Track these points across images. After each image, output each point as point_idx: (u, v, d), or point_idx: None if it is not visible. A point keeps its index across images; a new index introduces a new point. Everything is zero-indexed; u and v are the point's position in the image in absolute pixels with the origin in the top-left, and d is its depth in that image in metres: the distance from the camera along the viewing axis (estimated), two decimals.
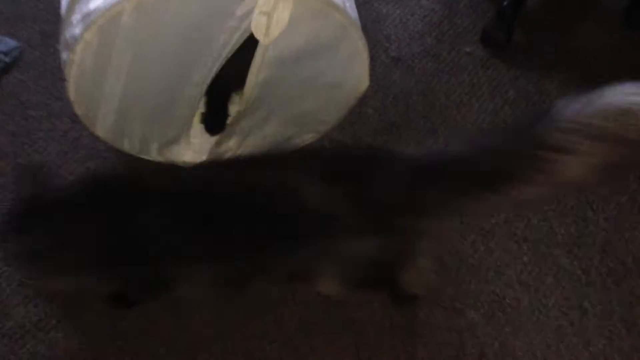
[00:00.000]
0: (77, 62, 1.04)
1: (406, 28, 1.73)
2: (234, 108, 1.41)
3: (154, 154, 1.35)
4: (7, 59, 1.48)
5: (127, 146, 1.31)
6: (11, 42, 1.51)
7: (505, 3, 1.70)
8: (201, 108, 1.41)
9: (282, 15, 1.02)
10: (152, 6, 0.97)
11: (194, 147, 1.39)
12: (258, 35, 1.05)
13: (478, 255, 1.41)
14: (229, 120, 1.38)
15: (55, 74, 1.48)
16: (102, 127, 1.23)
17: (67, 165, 1.40)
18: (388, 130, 1.55)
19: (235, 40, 1.07)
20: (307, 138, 1.40)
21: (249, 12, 1.02)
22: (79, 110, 1.16)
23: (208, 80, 1.18)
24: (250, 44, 1.11)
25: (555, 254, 1.43)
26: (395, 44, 1.69)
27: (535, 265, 1.42)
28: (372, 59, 1.24)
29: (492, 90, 1.64)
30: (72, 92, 1.11)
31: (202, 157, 1.37)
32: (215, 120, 1.42)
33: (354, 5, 1.17)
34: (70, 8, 1.05)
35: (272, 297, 1.27)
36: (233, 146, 1.34)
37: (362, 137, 1.53)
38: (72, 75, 1.07)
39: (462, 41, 1.72)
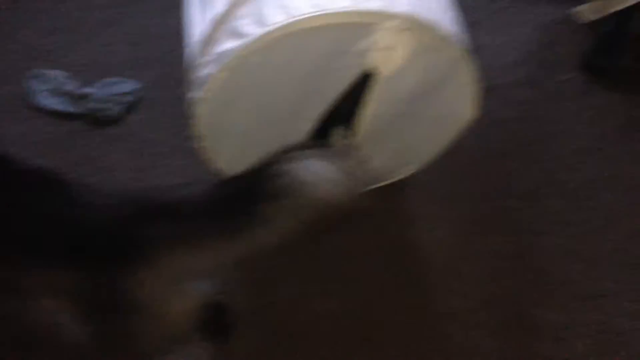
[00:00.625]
0: (208, 99, 1.13)
1: (504, 57, 1.75)
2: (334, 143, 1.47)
3: None
4: (131, 99, 1.61)
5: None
6: (135, 83, 1.64)
7: (607, 28, 1.70)
8: None
9: (403, 50, 1.08)
10: (280, 46, 1.05)
11: None
12: (378, 69, 1.11)
13: (585, 284, 1.40)
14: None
15: (175, 113, 1.58)
16: (223, 160, 1.32)
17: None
18: (487, 159, 1.56)
19: (351, 77, 1.13)
20: (409, 169, 1.44)
21: (368, 48, 1.08)
22: (204, 145, 1.25)
23: (320, 116, 1.24)
24: (360, 82, 1.17)
25: None
26: (493, 73, 1.71)
27: None
28: None
29: (595, 116, 1.64)
30: (200, 128, 1.20)
31: None
32: None
33: (464, 35, 1.21)
34: (201, 51, 1.14)
35: None
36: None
37: (462, 166, 1.55)
38: (202, 111, 1.16)
39: (562, 68, 1.72)
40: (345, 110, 1.26)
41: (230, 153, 1.30)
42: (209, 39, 1.13)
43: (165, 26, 1.73)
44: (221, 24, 1.11)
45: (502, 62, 1.74)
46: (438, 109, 1.25)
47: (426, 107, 1.24)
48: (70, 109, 1.59)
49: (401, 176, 1.46)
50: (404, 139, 1.33)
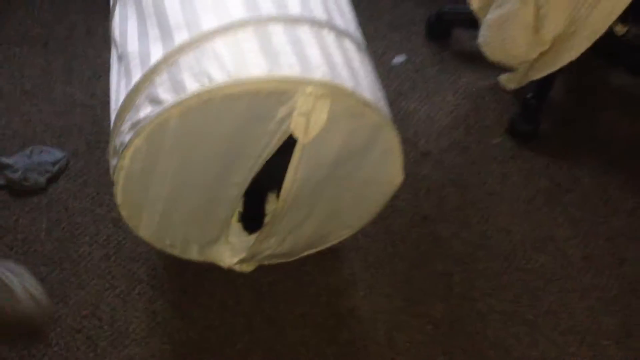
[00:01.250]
0: (125, 167, 1.09)
1: (433, 123, 1.78)
2: (270, 207, 1.44)
3: (194, 255, 1.38)
4: (54, 169, 1.56)
5: (169, 247, 1.34)
6: (58, 153, 1.59)
7: (529, 95, 1.76)
8: (239, 207, 1.45)
9: (321, 115, 1.07)
10: (197, 112, 1.03)
11: (233, 246, 1.42)
12: (298, 135, 1.10)
13: (522, 348, 1.38)
14: (266, 219, 1.41)
15: (100, 182, 1.55)
16: (146, 229, 1.27)
17: (110, 269, 1.43)
18: (421, 223, 1.56)
19: (275, 142, 1.12)
20: (342, 234, 1.42)
21: (289, 114, 1.07)
22: (124, 213, 1.21)
23: (248, 181, 1.22)
24: (287, 146, 1.16)
25: (604, 345, 1.40)
26: (423, 139, 1.74)
27: (583, 357, 1.38)
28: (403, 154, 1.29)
29: (523, 179, 1.67)
30: (119, 196, 1.16)
31: (240, 255, 1.40)
32: (252, 219, 1.46)
33: (385, 102, 1.22)
34: (120, 118, 1.11)
35: None
36: (273, 244, 1.36)
37: (396, 230, 1.54)
38: (121, 179, 1.12)
39: (490, 133, 1.77)
40: (274, 175, 1.25)
41: (154, 221, 1.26)
42: (127, 106, 1.10)
43: (91, 96, 1.71)
44: (139, 90, 1.09)
45: (433, 128, 1.77)
46: (365, 173, 1.25)
47: (352, 172, 1.23)
48: None
49: (334, 241, 1.44)
50: (333, 203, 1.31)
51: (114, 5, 1.30)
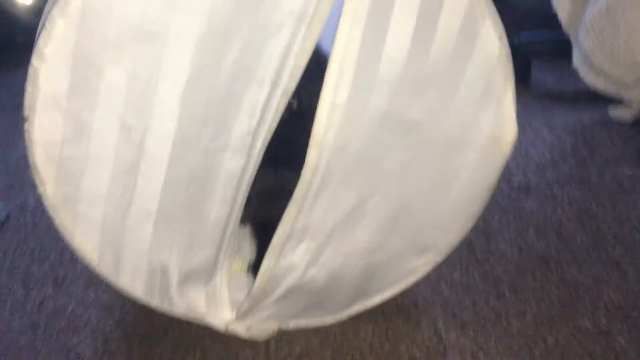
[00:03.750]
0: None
1: (530, 159, 1.27)
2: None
3: (174, 297, 0.80)
4: None
5: (127, 280, 0.77)
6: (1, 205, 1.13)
7: None
8: (250, 253, 0.90)
9: None
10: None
11: (235, 300, 0.84)
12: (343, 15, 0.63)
13: None
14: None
15: (43, 239, 1.06)
16: (88, 236, 0.73)
17: (35, 344, 0.87)
18: (540, 267, 0.97)
19: (296, 51, 0.65)
20: (418, 263, 0.84)
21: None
22: (53, 200, 0.69)
23: (257, 148, 0.71)
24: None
25: None
26: (519, 175, 1.21)
27: None
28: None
29: None
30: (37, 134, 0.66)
31: (243, 298, 0.82)
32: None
33: None
34: None
35: None
36: (299, 261, 0.78)
37: (500, 276, 0.95)
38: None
39: (613, 165, 1.23)
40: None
41: (99, 216, 0.73)
42: None
43: None
44: None
45: (531, 163, 1.25)
46: (454, 112, 0.72)
47: (432, 111, 0.72)
48: None
49: (403, 283, 0.85)
50: (403, 185, 0.75)
51: None
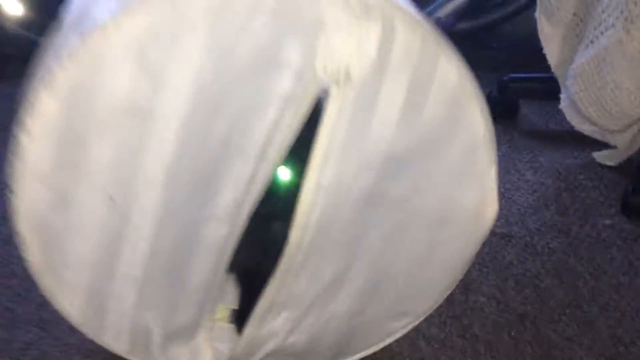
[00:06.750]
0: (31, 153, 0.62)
1: (512, 204, 1.28)
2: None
3: (155, 350, 0.82)
4: None
5: (113, 341, 0.79)
6: None
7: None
8: (231, 301, 0.91)
9: (365, 49, 0.61)
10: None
11: (216, 349, 0.86)
12: (329, 80, 0.63)
13: None
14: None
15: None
16: (73, 301, 0.74)
17: None
18: (516, 324, 0.99)
19: (288, 121, 0.66)
20: (397, 326, 0.85)
21: (311, 51, 0.62)
22: (36, 267, 0.70)
23: (242, 216, 0.72)
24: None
25: None
26: (501, 221, 1.23)
27: None
28: None
29: None
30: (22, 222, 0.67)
31: (227, 355, 0.84)
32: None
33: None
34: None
35: None
36: (280, 328, 0.80)
37: (478, 333, 0.97)
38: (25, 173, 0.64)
39: (595, 213, 1.25)
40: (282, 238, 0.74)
41: (83, 281, 0.74)
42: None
43: None
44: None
45: (512, 209, 1.26)
46: (436, 200, 0.74)
47: (414, 185, 0.73)
48: None
49: (380, 343, 0.87)
50: (381, 255, 0.77)
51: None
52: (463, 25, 1.77)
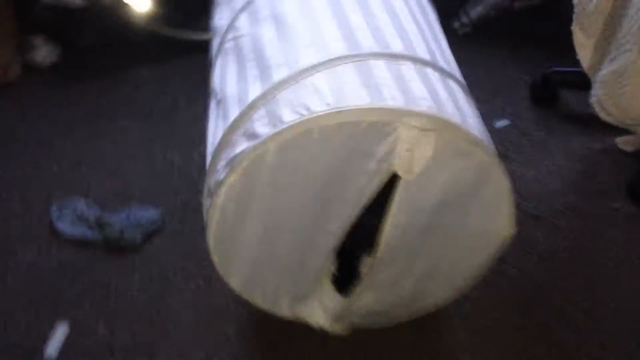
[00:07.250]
0: (219, 205, 1.05)
1: (543, 187, 1.65)
2: (364, 269, 1.35)
3: (284, 310, 1.29)
4: (150, 227, 1.55)
5: (259, 300, 1.27)
6: (154, 212, 1.59)
7: None
8: (332, 266, 1.36)
9: (425, 151, 0.99)
10: (294, 146, 0.98)
11: (325, 306, 1.32)
12: (400, 172, 1.02)
13: None
14: (362, 275, 1.31)
15: (193, 241, 1.52)
16: (237, 277, 1.21)
17: (199, 326, 1.36)
18: (535, 291, 1.41)
19: (375, 184, 1.05)
20: (444, 297, 1.29)
21: (391, 151, 1.00)
22: (216, 259, 1.15)
23: (344, 230, 1.14)
24: (385, 189, 1.08)
25: None
26: (533, 203, 1.60)
27: None
28: None
29: None
30: (211, 238, 1.11)
31: (333, 313, 1.29)
32: (346, 280, 1.36)
33: (492, 144, 1.13)
34: (216, 157, 1.09)
35: None
36: (368, 301, 1.25)
37: (505, 297, 1.39)
38: (214, 219, 1.07)
39: (609, 197, 1.61)
40: (370, 225, 1.16)
41: (245, 269, 1.20)
42: (224, 144, 1.07)
43: (189, 160, 1.71)
44: (236, 128, 1.06)
45: (543, 192, 1.63)
46: (470, 221, 1.13)
47: (456, 220, 1.13)
48: (90, 236, 1.54)
49: (435, 306, 1.31)
50: (434, 258, 1.20)
51: (215, 57, 1.31)
52: (520, 3, 2.03)
